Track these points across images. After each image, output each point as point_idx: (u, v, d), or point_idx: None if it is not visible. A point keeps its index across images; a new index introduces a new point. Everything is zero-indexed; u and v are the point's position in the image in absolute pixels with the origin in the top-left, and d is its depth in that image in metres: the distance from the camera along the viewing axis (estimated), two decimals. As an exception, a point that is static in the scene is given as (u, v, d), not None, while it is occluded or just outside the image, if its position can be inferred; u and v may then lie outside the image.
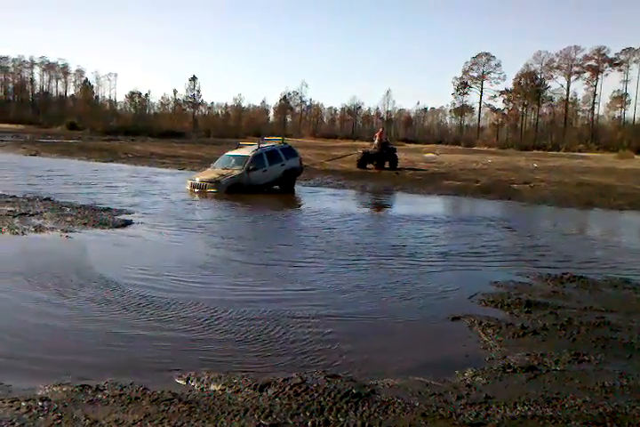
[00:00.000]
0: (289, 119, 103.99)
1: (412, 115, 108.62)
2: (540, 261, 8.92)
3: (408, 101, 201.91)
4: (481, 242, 10.32)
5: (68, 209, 12.09)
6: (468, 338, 5.41)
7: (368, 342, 5.23)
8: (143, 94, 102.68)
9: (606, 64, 75.80)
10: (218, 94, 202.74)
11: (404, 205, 16.26)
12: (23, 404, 3.77)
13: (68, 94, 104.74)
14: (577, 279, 7.60)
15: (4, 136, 47.82)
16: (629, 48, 75.03)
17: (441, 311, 6.19)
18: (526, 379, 4.45)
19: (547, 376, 4.50)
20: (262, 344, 5.08)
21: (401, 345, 5.24)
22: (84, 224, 10.50)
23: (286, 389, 4.11)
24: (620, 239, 11.87)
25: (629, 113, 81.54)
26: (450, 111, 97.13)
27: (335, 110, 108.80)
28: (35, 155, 30.32)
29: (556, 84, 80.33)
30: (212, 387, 4.17)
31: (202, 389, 4.15)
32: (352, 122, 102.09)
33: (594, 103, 79.39)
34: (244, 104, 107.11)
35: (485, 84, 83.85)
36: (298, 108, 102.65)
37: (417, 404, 3.94)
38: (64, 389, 4.05)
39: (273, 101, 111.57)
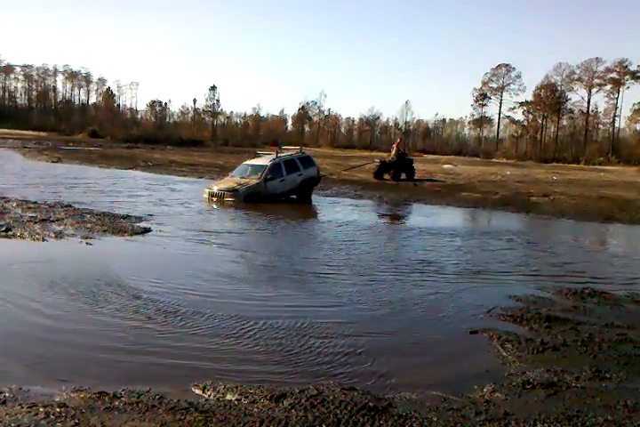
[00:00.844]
0: (307, 129, 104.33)
1: (431, 126, 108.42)
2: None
3: (427, 112, 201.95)
4: (501, 257, 10.20)
5: (88, 216, 12.22)
6: (486, 353, 5.35)
7: (386, 356, 5.18)
8: (163, 103, 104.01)
9: (628, 77, 74.97)
10: (237, 104, 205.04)
11: (423, 217, 16.12)
12: (41, 409, 3.80)
13: (89, 102, 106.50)
14: (598, 294, 7.48)
15: (27, 143, 48.66)
16: (652, 61, 74.28)
17: (459, 325, 6.12)
18: (546, 396, 4.37)
19: (567, 393, 4.42)
20: (283, 358, 5.07)
21: (418, 359, 5.19)
22: (104, 231, 10.60)
23: (302, 400, 4.09)
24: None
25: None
26: (469, 123, 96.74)
27: (353, 120, 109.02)
28: (56, 162, 30.76)
29: (576, 97, 79.71)
30: (228, 397, 4.17)
31: (218, 398, 4.14)
32: (370, 132, 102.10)
33: (615, 116, 78.50)
34: (263, 113, 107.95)
35: (505, 95, 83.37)
36: (316, 118, 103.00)
37: (434, 419, 3.90)
38: (81, 395, 4.07)
39: (291, 111, 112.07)
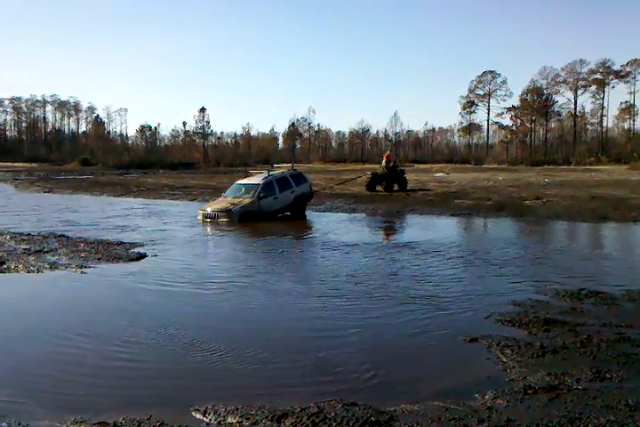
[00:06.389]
0: (298, 145, 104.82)
1: (421, 135, 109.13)
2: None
3: (416, 122, 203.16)
4: (497, 269, 10.22)
5: (82, 244, 12.18)
6: (486, 359, 5.34)
7: (386, 367, 5.16)
8: (153, 128, 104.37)
9: (612, 76, 75.86)
10: (227, 124, 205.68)
11: (418, 229, 15.71)
12: (41, 443, 3.77)
13: (80, 131, 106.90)
14: (594, 295, 7.49)
15: (19, 175, 48.66)
16: (635, 60, 75.18)
17: (458, 333, 6.11)
18: (548, 400, 4.36)
19: (568, 396, 4.42)
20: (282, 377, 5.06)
21: (418, 369, 5.18)
22: (98, 259, 10.56)
23: (304, 419, 4.07)
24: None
25: (639, 124, 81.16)
26: (458, 130, 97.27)
27: (343, 134, 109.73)
28: (48, 192, 30.78)
29: (562, 99, 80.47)
30: (230, 419, 4.14)
31: (219, 422, 4.12)
32: (361, 145, 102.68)
33: (602, 116, 79.27)
34: (253, 132, 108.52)
35: (492, 101, 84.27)
36: (306, 134, 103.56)
37: (437, 430, 3.88)
38: (82, 426, 4.03)
39: (281, 128, 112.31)
